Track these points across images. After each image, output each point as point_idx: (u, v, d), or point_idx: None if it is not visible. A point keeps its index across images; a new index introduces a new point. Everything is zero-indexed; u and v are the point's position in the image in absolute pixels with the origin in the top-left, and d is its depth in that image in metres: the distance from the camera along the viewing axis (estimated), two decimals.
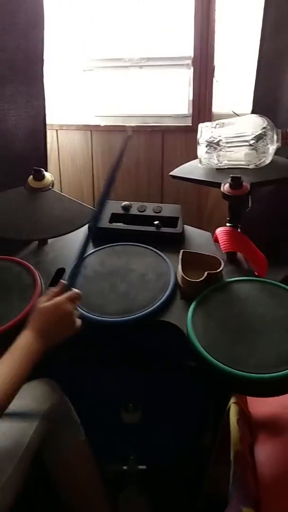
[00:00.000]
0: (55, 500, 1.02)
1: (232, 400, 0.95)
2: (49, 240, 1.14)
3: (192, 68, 1.41)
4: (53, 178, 1.14)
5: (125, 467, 1.13)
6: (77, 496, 1.01)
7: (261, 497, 0.73)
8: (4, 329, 0.85)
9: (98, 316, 0.90)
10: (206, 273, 0.91)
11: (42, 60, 1.31)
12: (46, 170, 1.22)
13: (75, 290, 0.82)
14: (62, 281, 0.84)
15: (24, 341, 0.74)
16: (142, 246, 1.07)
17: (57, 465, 0.98)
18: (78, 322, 0.82)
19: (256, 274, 0.99)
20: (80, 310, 0.90)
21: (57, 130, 1.58)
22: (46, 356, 1.09)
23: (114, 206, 1.19)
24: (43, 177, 1.10)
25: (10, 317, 0.87)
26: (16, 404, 0.87)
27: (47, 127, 1.43)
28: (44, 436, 0.89)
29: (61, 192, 1.20)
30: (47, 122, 1.42)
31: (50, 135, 1.54)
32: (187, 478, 1.17)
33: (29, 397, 0.91)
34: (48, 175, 1.12)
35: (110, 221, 1.15)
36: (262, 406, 0.95)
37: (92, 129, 1.54)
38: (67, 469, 0.98)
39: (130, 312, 0.89)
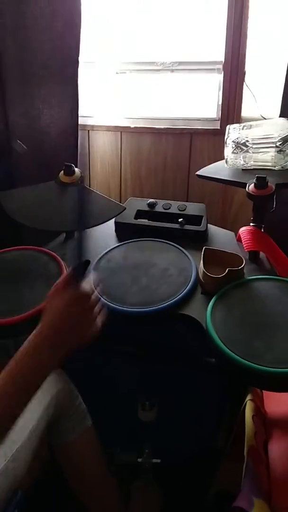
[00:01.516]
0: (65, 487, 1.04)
1: (248, 397, 0.95)
2: (76, 233, 1.18)
3: (222, 73, 1.43)
4: (82, 174, 1.18)
5: (139, 460, 1.14)
6: (81, 483, 1.02)
7: (273, 491, 0.74)
8: (30, 314, 0.89)
9: (120, 306, 0.92)
10: (227, 269, 0.93)
11: (77, 62, 1.36)
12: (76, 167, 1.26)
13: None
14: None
15: (33, 334, 0.65)
16: (166, 242, 1.09)
17: (62, 451, 1.01)
18: (99, 322, 0.69)
19: (278, 274, 1.00)
20: (103, 299, 0.93)
21: (88, 130, 1.62)
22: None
23: (139, 203, 1.22)
24: (73, 172, 1.14)
25: (36, 304, 0.91)
26: None
27: (79, 127, 1.48)
28: (52, 417, 0.92)
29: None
30: (80, 122, 1.47)
31: (82, 135, 1.59)
32: (200, 474, 1.17)
33: None
34: (77, 171, 1.16)
35: (136, 217, 1.18)
36: (278, 405, 0.95)
37: (122, 130, 1.59)
38: (72, 454, 1.01)
39: (151, 304, 0.92)
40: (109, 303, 0.92)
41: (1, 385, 0.61)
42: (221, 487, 1.05)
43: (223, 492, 1.04)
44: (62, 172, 1.15)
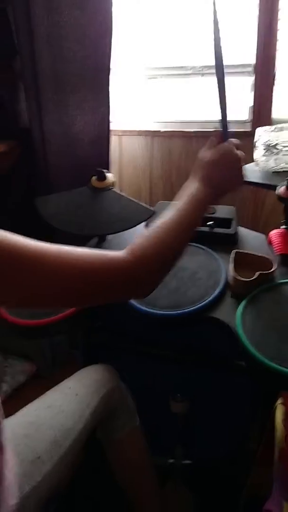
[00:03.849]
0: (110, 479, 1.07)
1: (279, 401, 0.94)
2: (108, 237, 1.21)
3: (253, 75, 1.43)
4: (114, 179, 1.20)
5: (170, 461, 1.15)
6: (127, 479, 1.05)
7: None
8: (56, 318, 0.92)
9: (150, 309, 0.94)
10: (257, 273, 0.93)
11: (109, 69, 1.40)
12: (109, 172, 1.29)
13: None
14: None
15: (191, 190, 0.73)
16: (195, 245, 1.10)
17: (110, 447, 1.03)
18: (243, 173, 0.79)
19: None
20: (134, 302, 0.95)
21: (120, 135, 1.66)
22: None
23: (169, 207, 1.23)
24: (105, 177, 1.17)
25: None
26: (77, 386, 0.94)
27: (111, 132, 1.52)
28: (100, 418, 0.94)
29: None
30: (111, 128, 1.50)
31: (113, 140, 1.62)
32: (231, 478, 1.17)
33: (90, 379, 0.97)
34: (110, 176, 1.19)
35: None
36: None
37: (153, 135, 1.61)
38: (119, 451, 1.03)
39: (180, 307, 0.93)
40: (139, 306, 0.94)
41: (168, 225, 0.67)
42: (252, 491, 1.05)
43: (254, 496, 1.03)
44: (94, 177, 1.18)
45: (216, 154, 0.76)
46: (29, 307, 0.64)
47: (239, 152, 0.77)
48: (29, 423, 0.84)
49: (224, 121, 0.81)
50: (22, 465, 0.76)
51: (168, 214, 0.70)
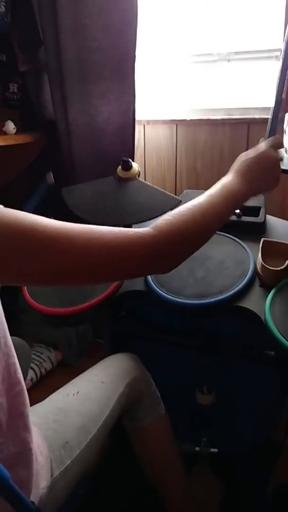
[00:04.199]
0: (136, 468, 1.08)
1: None
2: (133, 227, 1.20)
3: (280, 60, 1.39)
4: (139, 169, 1.20)
5: (197, 449, 1.15)
6: (152, 466, 1.06)
7: None
8: (82, 307, 0.93)
9: (177, 298, 0.93)
10: (287, 261, 0.91)
11: (134, 57, 1.38)
12: (133, 161, 1.28)
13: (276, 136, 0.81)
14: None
15: (224, 180, 0.74)
16: (222, 235, 1.09)
17: (135, 434, 1.05)
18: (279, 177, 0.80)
19: None
20: (160, 291, 0.95)
21: (144, 124, 1.64)
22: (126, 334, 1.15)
23: (195, 195, 1.21)
24: (130, 167, 1.17)
25: (97, 295, 0.95)
26: (103, 373, 0.96)
27: (135, 122, 1.50)
28: (126, 405, 0.95)
29: None
30: (136, 117, 1.49)
31: (137, 129, 1.60)
32: (259, 466, 1.17)
33: (115, 367, 0.99)
34: (135, 166, 1.18)
35: None
36: None
37: (178, 123, 1.59)
38: (144, 439, 1.04)
39: (208, 296, 0.92)
40: (166, 295, 0.94)
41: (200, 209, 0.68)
42: (281, 479, 1.04)
43: (283, 484, 1.02)
44: (120, 167, 1.17)
45: (256, 152, 0.77)
46: (56, 284, 0.64)
47: (275, 153, 0.79)
48: (58, 408, 0.86)
49: (274, 119, 0.86)
50: (51, 449, 0.77)
51: (196, 199, 0.70)
